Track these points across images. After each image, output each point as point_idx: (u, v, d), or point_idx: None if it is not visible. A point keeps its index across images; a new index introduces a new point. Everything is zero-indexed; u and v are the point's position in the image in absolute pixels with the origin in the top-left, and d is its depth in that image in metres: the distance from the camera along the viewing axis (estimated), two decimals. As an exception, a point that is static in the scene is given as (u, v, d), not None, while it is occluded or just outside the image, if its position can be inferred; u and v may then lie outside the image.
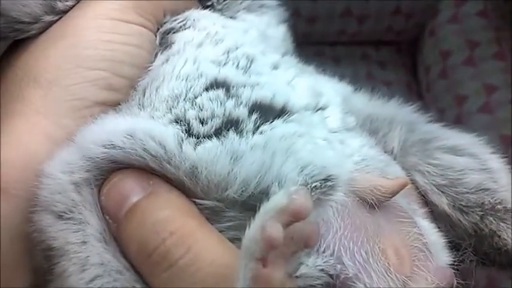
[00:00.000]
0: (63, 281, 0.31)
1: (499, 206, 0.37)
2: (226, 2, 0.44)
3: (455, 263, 0.35)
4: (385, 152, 0.40)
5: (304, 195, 0.26)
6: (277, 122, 0.34)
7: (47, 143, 0.34)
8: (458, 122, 0.81)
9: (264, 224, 0.25)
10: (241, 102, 0.34)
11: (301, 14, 0.88)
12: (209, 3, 0.44)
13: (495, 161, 0.39)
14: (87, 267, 0.31)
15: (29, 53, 0.38)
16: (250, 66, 0.37)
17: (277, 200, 0.26)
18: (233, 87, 0.35)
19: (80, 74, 0.36)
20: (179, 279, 0.29)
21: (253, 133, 0.33)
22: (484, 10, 0.86)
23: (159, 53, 0.39)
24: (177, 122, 0.34)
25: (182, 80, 0.36)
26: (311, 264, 0.30)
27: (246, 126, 0.33)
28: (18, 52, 0.39)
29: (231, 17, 0.43)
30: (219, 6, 0.44)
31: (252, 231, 0.26)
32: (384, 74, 0.93)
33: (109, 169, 0.33)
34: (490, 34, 0.84)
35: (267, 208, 0.26)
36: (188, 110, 0.34)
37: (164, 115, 0.34)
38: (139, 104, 0.36)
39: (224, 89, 0.35)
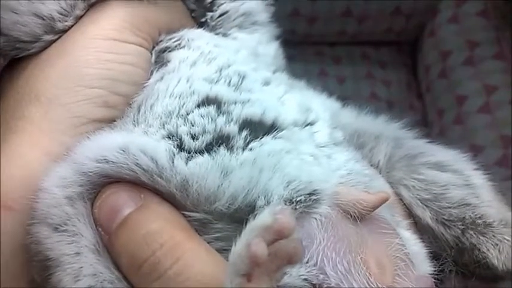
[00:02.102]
0: None
1: (479, 221, 0.38)
2: (220, 19, 0.45)
3: (436, 273, 0.37)
4: (371, 165, 0.42)
5: (288, 215, 0.27)
6: (267, 139, 0.36)
7: (46, 160, 0.36)
8: (458, 122, 0.81)
9: (249, 241, 0.26)
10: (231, 119, 0.36)
11: (301, 14, 0.88)
12: (203, 19, 0.46)
13: (478, 177, 0.41)
14: (80, 278, 0.32)
15: (30, 71, 0.40)
16: (241, 83, 0.39)
17: (263, 218, 0.27)
18: (224, 103, 0.37)
19: (78, 93, 0.37)
20: None
21: (243, 149, 0.35)
22: (484, 10, 0.85)
23: (155, 71, 0.40)
24: (169, 138, 0.35)
25: (175, 97, 0.37)
26: (294, 274, 0.31)
27: (236, 143, 0.35)
28: (19, 70, 0.41)
29: (223, 35, 0.45)
30: (213, 23, 0.45)
31: (238, 248, 0.27)
32: (383, 74, 0.93)
33: (101, 183, 0.35)
34: (490, 34, 0.83)
35: (252, 226, 0.27)
36: (180, 126, 0.35)
37: (157, 131, 0.36)
38: (134, 121, 0.38)
39: (215, 106, 0.36)
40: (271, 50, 0.47)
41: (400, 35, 0.94)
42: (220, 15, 0.45)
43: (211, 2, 0.45)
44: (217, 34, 0.45)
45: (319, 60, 0.92)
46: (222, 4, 0.45)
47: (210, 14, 0.45)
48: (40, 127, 0.36)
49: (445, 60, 0.86)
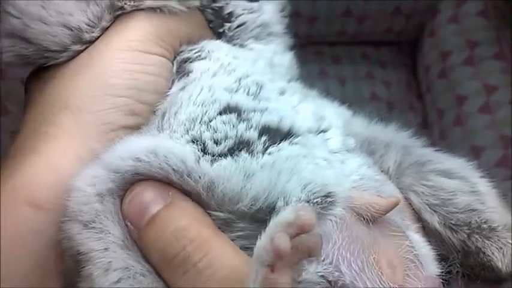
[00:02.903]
0: (90, 282, 0.35)
1: (484, 225, 0.40)
2: (237, 30, 0.48)
3: (443, 274, 0.39)
4: (382, 171, 0.44)
5: (310, 212, 0.29)
6: (284, 144, 0.38)
7: (77, 164, 0.38)
8: (458, 122, 0.81)
9: (273, 236, 0.29)
10: (251, 126, 0.38)
11: (301, 14, 0.88)
12: (221, 30, 0.48)
13: (483, 185, 0.43)
14: (110, 272, 0.34)
15: (58, 80, 0.42)
16: (259, 93, 0.41)
17: (286, 214, 0.30)
18: (244, 111, 0.39)
19: (106, 101, 0.40)
20: (197, 281, 0.32)
21: (263, 154, 0.37)
22: (484, 10, 0.85)
23: (176, 80, 0.43)
24: (193, 142, 0.37)
25: (198, 105, 0.39)
26: (312, 271, 0.33)
27: (256, 147, 0.37)
28: (46, 79, 0.43)
29: (240, 46, 0.47)
30: (230, 34, 0.48)
31: (263, 241, 0.29)
32: (384, 73, 0.93)
33: (132, 180, 0.37)
34: (490, 34, 0.83)
35: (276, 221, 0.30)
36: (204, 132, 0.38)
37: (182, 136, 0.38)
38: (159, 127, 0.40)
39: (236, 114, 0.39)
40: (286, 60, 0.49)
41: (400, 35, 0.94)
42: (237, 26, 0.48)
43: (229, 13, 0.48)
44: (234, 45, 0.47)
45: (319, 60, 0.92)
46: (240, 15, 0.48)
47: (228, 25, 0.48)
48: (71, 134, 0.39)
49: (445, 60, 0.86)
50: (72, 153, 0.38)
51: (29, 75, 0.46)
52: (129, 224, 0.36)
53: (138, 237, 0.35)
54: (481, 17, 0.85)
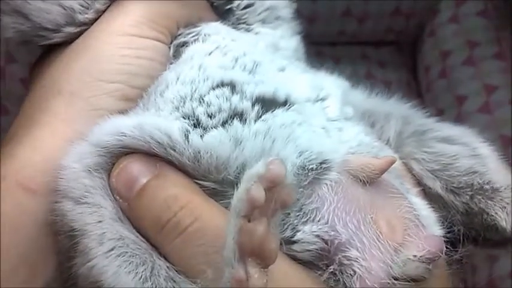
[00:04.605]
0: (86, 256, 0.34)
1: (486, 186, 0.40)
2: (245, 11, 0.47)
3: (447, 235, 0.38)
4: (382, 141, 0.43)
5: (279, 165, 0.29)
6: (279, 111, 0.38)
7: (67, 147, 0.38)
8: (458, 121, 0.81)
9: (248, 187, 0.29)
10: (245, 97, 0.38)
11: (301, 14, 0.88)
12: (228, 7, 0.47)
13: (484, 148, 0.43)
14: (104, 241, 0.34)
15: (56, 65, 0.42)
16: (256, 69, 0.40)
17: (256, 167, 0.29)
18: (238, 84, 0.38)
19: (99, 87, 0.40)
20: (189, 243, 0.33)
21: (255, 121, 0.37)
22: (484, 10, 0.85)
23: (173, 64, 0.42)
24: (184, 118, 0.37)
25: (187, 84, 0.39)
26: (307, 231, 0.34)
27: (249, 116, 0.37)
28: (45, 66, 0.43)
29: (246, 30, 0.47)
30: (238, 14, 0.47)
31: (239, 192, 0.29)
32: (383, 73, 0.93)
33: (118, 154, 0.37)
34: (490, 34, 0.83)
35: (248, 174, 0.30)
36: (197, 107, 0.37)
37: (170, 113, 0.38)
38: (144, 107, 0.40)
39: (230, 87, 0.38)
40: (293, 44, 0.49)
41: (400, 35, 0.94)
42: (245, 7, 0.47)
43: None
44: (239, 29, 0.47)
45: (319, 60, 0.92)
46: None
47: (236, 2, 0.47)
48: (63, 119, 0.39)
49: (445, 60, 0.86)
50: (63, 138, 0.38)
51: (34, 62, 0.46)
52: (117, 197, 0.36)
53: (129, 209, 0.36)
54: (481, 17, 0.85)
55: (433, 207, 0.40)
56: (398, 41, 0.96)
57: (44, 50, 0.46)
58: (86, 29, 0.43)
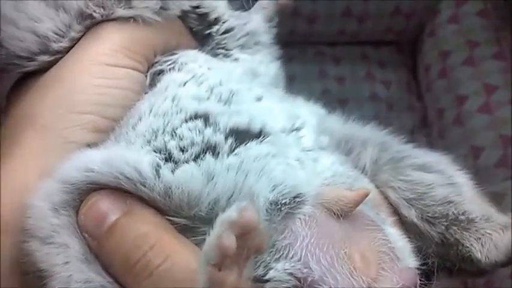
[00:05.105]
0: None
1: (462, 217, 0.40)
2: (224, 36, 0.46)
3: (422, 267, 0.38)
4: (358, 169, 0.43)
5: (252, 210, 0.29)
6: (252, 144, 0.37)
7: (39, 183, 0.37)
8: (458, 122, 0.81)
9: (220, 234, 0.28)
10: (219, 129, 0.37)
11: (301, 14, 0.88)
12: (207, 32, 0.46)
13: (460, 177, 0.43)
14: (72, 284, 0.34)
15: (30, 94, 0.41)
16: (232, 98, 0.40)
17: (229, 214, 0.29)
18: (212, 116, 0.38)
19: (71, 119, 0.39)
20: (159, 284, 0.33)
21: (228, 155, 0.36)
22: (484, 10, 0.86)
23: (147, 94, 0.41)
24: (156, 152, 0.37)
25: (160, 116, 0.38)
26: (280, 268, 0.33)
27: (222, 149, 0.36)
28: (22, 92, 0.42)
29: (224, 55, 0.46)
30: (217, 39, 0.46)
31: (210, 239, 0.29)
32: (383, 73, 0.93)
33: (87, 190, 0.36)
34: (490, 34, 0.84)
35: (220, 219, 0.29)
36: (169, 141, 0.37)
37: (142, 147, 0.37)
38: (115, 140, 0.39)
39: (203, 119, 0.38)
40: (272, 69, 0.48)
41: (400, 35, 0.94)
42: (225, 32, 0.46)
43: (216, 18, 0.46)
44: (218, 55, 0.46)
45: (319, 60, 0.92)
46: (227, 21, 0.46)
47: (215, 28, 0.46)
48: (35, 153, 0.38)
49: (445, 60, 0.86)
50: (36, 173, 0.37)
51: (10, 88, 0.45)
52: (86, 235, 0.35)
53: (98, 247, 0.35)
54: (481, 17, 0.85)
55: (409, 237, 0.40)
56: (398, 41, 0.96)
57: (19, 76, 0.44)
58: (60, 57, 0.42)
